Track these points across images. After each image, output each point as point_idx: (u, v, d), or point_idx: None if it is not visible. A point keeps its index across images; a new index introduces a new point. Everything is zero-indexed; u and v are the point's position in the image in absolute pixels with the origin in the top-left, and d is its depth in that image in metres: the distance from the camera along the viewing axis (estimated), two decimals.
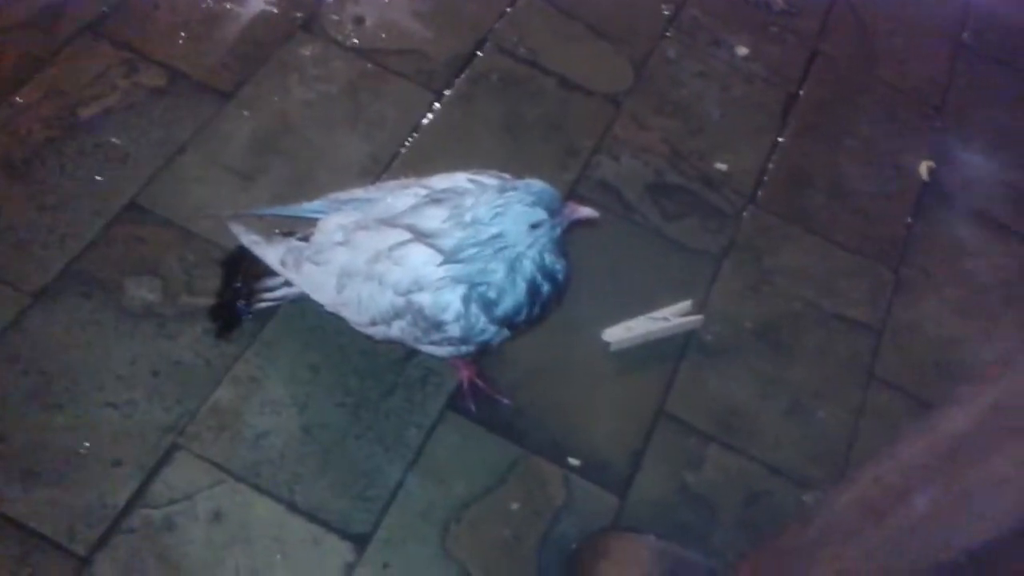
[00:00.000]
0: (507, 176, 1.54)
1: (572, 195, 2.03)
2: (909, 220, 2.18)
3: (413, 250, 1.47)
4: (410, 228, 1.49)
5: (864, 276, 2.06)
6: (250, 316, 1.73)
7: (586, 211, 1.45)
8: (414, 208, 1.52)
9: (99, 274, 1.76)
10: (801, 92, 2.34)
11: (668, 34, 2.38)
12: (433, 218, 1.49)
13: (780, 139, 2.25)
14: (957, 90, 2.45)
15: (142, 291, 1.75)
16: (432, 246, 1.46)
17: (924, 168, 2.25)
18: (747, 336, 1.93)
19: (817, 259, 2.07)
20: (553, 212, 1.41)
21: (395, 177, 1.94)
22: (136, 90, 2.01)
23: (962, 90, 2.45)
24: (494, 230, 1.41)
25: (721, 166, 2.16)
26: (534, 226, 1.40)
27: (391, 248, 1.49)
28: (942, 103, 2.42)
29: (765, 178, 2.17)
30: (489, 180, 1.52)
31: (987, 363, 1.64)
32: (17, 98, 1.95)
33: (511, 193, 1.43)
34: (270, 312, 1.76)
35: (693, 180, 2.13)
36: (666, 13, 2.43)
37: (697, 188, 2.12)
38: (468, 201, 1.47)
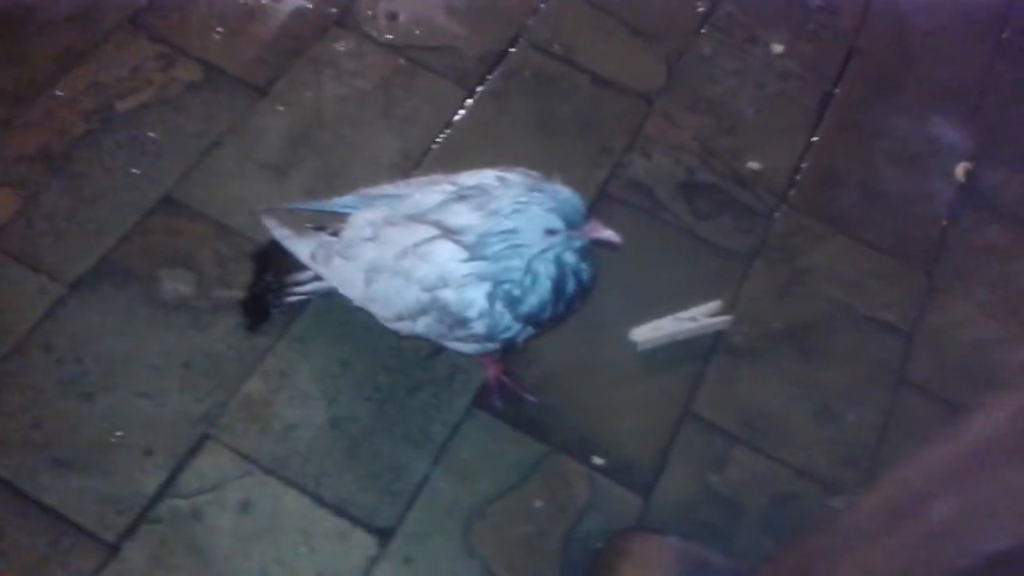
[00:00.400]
0: (536, 175, 1.54)
1: (603, 194, 2.04)
2: (944, 222, 2.14)
3: (439, 246, 1.48)
4: (437, 224, 1.50)
5: (897, 278, 2.04)
6: (280, 310, 1.76)
7: (608, 233, 1.44)
8: (441, 204, 1.53)
9: (134, 266, 1.79)
10: (836, 90, 2.31)
11: (703, 31, 2.36)
12: (459, 215, 1.49)
13: (814, 138, 2.23)
14: (997, 90, 2.41)
15: (176, 283, 1.78)
16: (458, 243, 1.47)
17: (961, 170, 2.22)
18: (776, 337, 1.91)
19: (850, 260, 2.05)
20: (572, 224, 1.41)
21: (426, 173, 1.95)
22: (172, 84, 2.04)
23: (1002, 90, 2.41)
24: (509, 224, 1.42)
25: (754, 165, 2.14)
26: (549, 232, 1.41)
27: (417, 244, 1.49)
28: (981, 103, 2.38)
29: (798, 177, 2.15)
30: (517, 178, 1.53)
31: (1018, 368, 1.62)
32: (57, 91, 1.98)
33: (535, 194, 1.43)
34: (300, 306, 1.78)
35: (725, 179, 2.11)
36: (701, 10, 2.41)
37: (729, 187, 2.10)
38: (498, 194, 1.48)
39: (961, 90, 2.40)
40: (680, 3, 2.42)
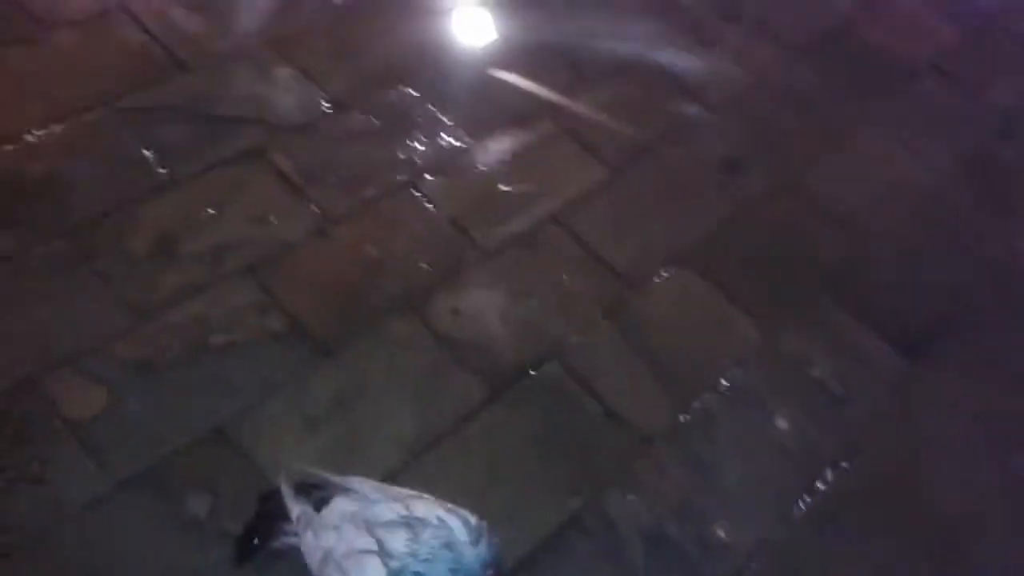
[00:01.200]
0: (474, 524, 1.85)
1: (571, 520, 2.29)
2: None
3: (371, 562, 1.81)
4: (379, 540, 1.83)
5: None
6: (264, 553, 2.10)
7: None
8: (390, 524, 1.86)
9: (171, 481, 2.20)
10: (823, 485, 2.49)
11: (719, 388, 2.62)
12: (396, 539, 1.82)
13: (787, 526, 2.40)
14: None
15: (197, 505, 2.18)
16: (385, 564, 1.79)
17: None
18: None
19: None
20: None
21: (434, 458, 2.30)
22: (261, 331, 2.50)
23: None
24: (421, 567, 1.73)
25: (721, 533, 2.34)
26: None
27: (360, 552, 1.83)
28: (969, 537, 2.47)
29: (753, 564, 2.32)
30: (455, 524, 1.84)
31: None
32: (170, 316, 2.49)
33: (450, 548, 1.75)
34: (283, 553, 2.12)
35: (689, 539, 2.32)
36: (724, 374, 2.66)
37: (690, 548, 2.30)
38: (428, 535, 1.80)
39: (958, 519, 2.49)
40: (708, 361, 2.68)
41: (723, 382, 2.64)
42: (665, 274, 2.85)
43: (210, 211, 2.69)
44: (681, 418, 2.54)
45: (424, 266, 2.71)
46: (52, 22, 3.07)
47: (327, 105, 3.03)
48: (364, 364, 2.49)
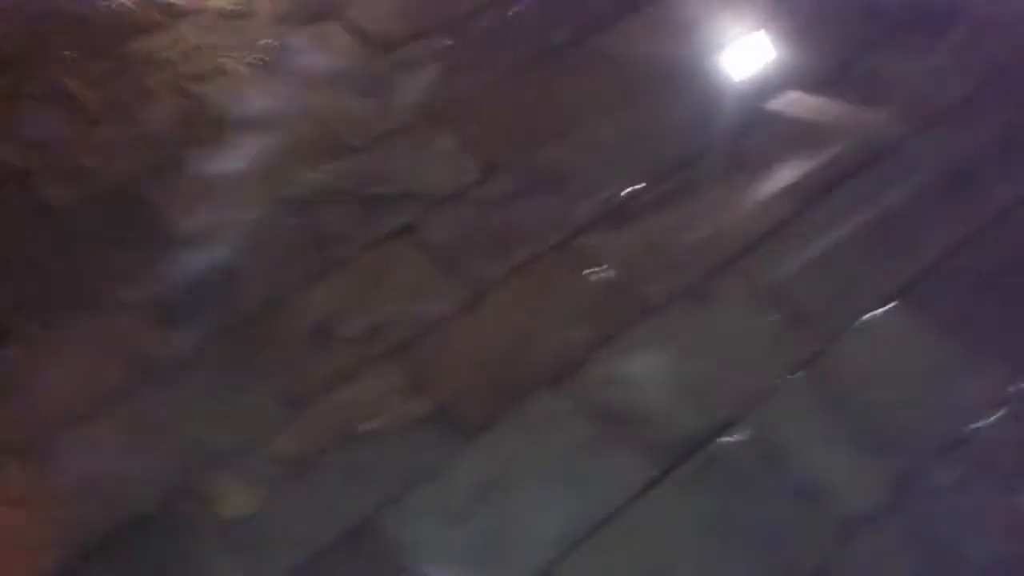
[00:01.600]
0: None
1: None
2: None
3: None
4: None
5: None
6: None
7: None
8: None
9: None
10: None
11: (948, 453, 2.10)
12: None
13: None
14: None
15: None
16: None
17: None
18: None
19: None
20: None
21: (590, 553, 2.02)
22: (406, 415, 2.34)
23: None
24: None
25: None
26: None
27: None
28: None
29: None
30: None
31: None
32: (322, 406, 2.40)
33: None
34: None
35: None
36: (955, 434, 2.14)
37: None
38: None
39: None
40: (929, 424, 2.18)
41: (954, 445, 2.12)
42: (874, 316, 2.38)
43: (363, 293, 2.61)
44: (895, 494, 2.05)
45: (579, 332, 2.44)
46: (234, 126, 3.18)
47: (480, 172, 2.88)
48: (511, 447, 2.25)
